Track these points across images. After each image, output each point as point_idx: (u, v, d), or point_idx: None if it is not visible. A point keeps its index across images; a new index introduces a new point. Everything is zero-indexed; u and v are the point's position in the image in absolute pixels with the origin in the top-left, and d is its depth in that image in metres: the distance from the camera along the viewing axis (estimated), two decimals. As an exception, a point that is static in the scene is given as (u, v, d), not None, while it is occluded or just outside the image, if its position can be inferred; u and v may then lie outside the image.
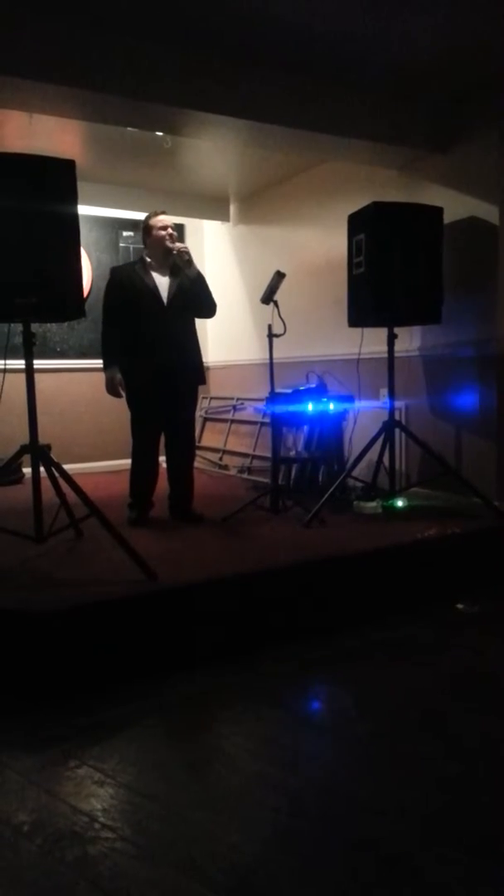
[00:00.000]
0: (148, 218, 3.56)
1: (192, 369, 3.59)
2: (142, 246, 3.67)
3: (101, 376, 3.51)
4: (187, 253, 3.47)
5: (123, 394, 3.51)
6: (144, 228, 3.57)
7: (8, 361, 3.09)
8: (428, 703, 2.25)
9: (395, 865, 1.51)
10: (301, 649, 2.63)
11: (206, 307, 3.62)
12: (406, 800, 1.73)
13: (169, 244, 3.47)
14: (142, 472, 3.60)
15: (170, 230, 3.50)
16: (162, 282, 3.50)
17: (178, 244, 3.48)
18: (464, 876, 1.47)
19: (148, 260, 3.54)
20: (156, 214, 3.54)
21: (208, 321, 6.03)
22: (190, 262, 3.48)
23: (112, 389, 3.51)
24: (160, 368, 3.43)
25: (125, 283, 3.48)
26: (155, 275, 3.50)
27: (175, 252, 3.45)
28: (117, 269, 3.63)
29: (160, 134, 3.86)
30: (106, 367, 3.51)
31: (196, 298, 3.54)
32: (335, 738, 2.05)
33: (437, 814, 1.68)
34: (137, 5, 2.82)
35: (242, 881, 1.47)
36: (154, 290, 3.48)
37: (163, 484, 3.68)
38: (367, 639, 2.75)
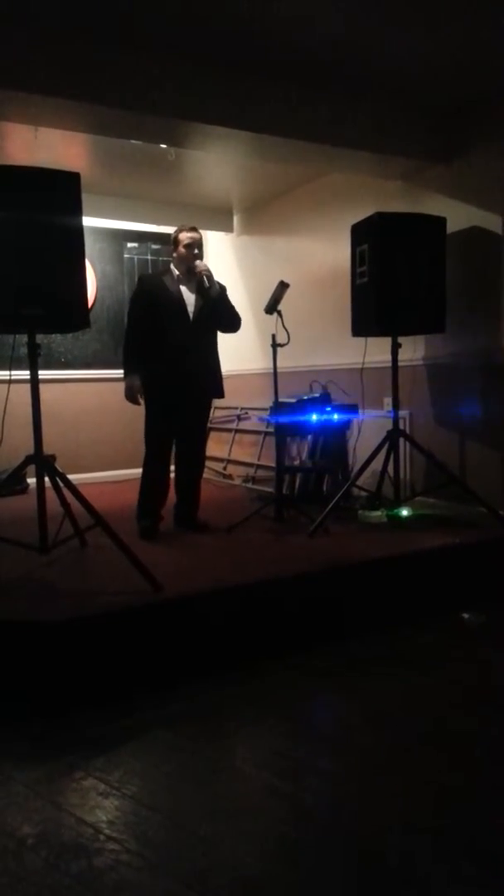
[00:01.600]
0: (177, 232, 3.59)
1: (212, 383, 3.62)
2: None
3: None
4: (208, 272, 3.47)
5: (142, 402, 3.51)
6: (173, 241, 3.61)
7: (13, 372, 3.12)
8: (433, 713, 2.24)
9: (401, 879, 1.50)
10: (306, 659, 2.62)
11: (229, 323, 3.64)
12: (412, 812, 1.72)
13: (192, 263, 3.48)
14: (154, 482, 3.59)
15: (196, 250, 3.52)
16: (189, 295, 3.54)
17: (199, 265, 3.48)
18: (471, 891, 1.46)
19: (175, 272, 3.56)
20: (184, 230, 3.56)
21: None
22: (211, 283, 3.48)
23: (131, 397, 3.51)
24: (182, 380, 3.46)
25: (153, 293, 3.51)
26: (182, 287, 3.53)
27: (197, 272, 3.47)
28: (146, 277, 3.67)
29: (164, 146, 3.89)
30: (126, 375, 3.50)
31: (219, 315, 3.56)
32: (340, 748, 2.04)
33: (442, 827, 1.66)
34: (140, 19, 2.85)
35: (247, 894, 1.46)
36: (181, 302, 3.51)
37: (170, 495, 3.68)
38: (372, 649, 2.74)
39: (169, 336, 3.46)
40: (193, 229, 3.57)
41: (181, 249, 3.54)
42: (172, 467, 3.65)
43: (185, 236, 3.54)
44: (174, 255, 3.60)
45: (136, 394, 3.49)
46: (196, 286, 3.53)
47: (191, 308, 3.52)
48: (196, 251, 3.52)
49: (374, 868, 1.53)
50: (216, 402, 5.95)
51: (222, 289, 3.61)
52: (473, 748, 2.03)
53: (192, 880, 1.50)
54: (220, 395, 3.71)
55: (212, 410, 5.94)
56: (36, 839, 1.64)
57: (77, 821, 1.70)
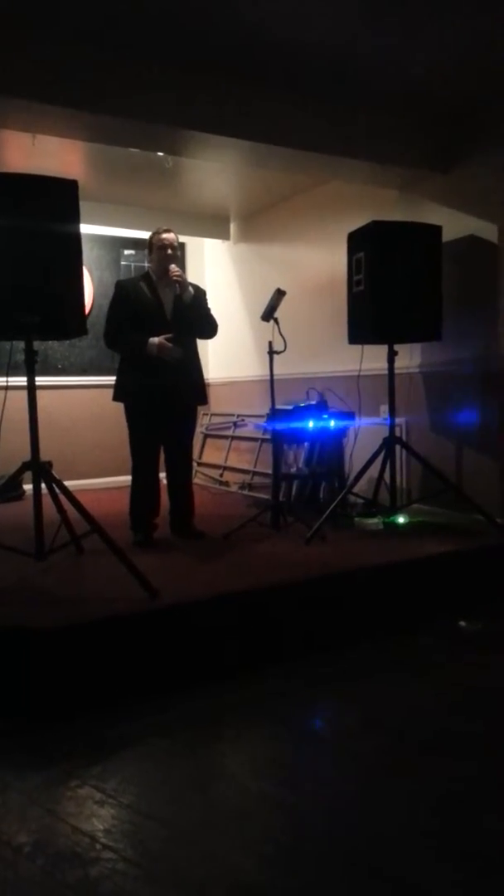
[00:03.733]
0: (152, 235, 3.57)
1: (193, 390, 3.59)
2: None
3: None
4: (180, 278, 3.42)
5: (175, 351, 3.38)
6: (148, 244, 3.59)
7: (10, 379, 3.11)
8: (431, 720, 2.23)
9: (400, 887, 1.49)
10: (303, 666, 2.62)
11: (205, 329, 3.61)
12: (410, 819, 1.71)
13: (166, 265, 3.44)
14: (143, 492, 3.57)
15: (169, 251, 3.47)
16: (166, 298, 3.51)
17: (172, 269, 3.42)
18: (470, 897, 1.46)
19: (152, 277, 3.55)
20: (159, 232, 3.53)
21: (209, 338, 6.09)
22: (184, 287, 3.44)
23: (168, 351, 3.36)
24: (164, 386, 3.42)
25: (131, 297, 3.48)
26: (159, 292, 3.51)
27: (171, 276, 3.42)
28: (123, 282, 3.64)
29: (161, 154, 3.91)
30: (144, 347, 3.37)
31: (195, 321, 3.53)
32: (338, 756, 2.04)
33: (441, 834, 1.66)
34: (138, 27, 2.87)
35: (246, 903, 1.45)
36: (158, 305, 3.49)
37: (163, 502, 3.67)
38: (369, 655, 2.73)
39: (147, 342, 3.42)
40: (167, 231, 3.52)
41: (156, 252, 3.51)
42: (162, 474, 3.63)
43: (158, 238, 3.50)
44: (149, 258, 3.58)
45: (165, 346, 3.35)
46: (174, 291, 3.49)
47: (168, 313, 3.50)
48: (169, 252, 3.48)
49: (373, 876, 1.52)
50: (212, 409, 6.00)
51: (200, 293, 3.58)
52: (473, 754, 2.02)
53: (188, 889, 1.49)
54: (203, 401, 3.68)
55: (208, 417, 5.97)
56: (32, 847, 1.63)
57: (73, 829, 1.69)
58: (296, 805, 1.78)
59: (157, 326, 3.46)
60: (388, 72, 3.30)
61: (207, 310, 3.62)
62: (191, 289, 3.50)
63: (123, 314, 3.46)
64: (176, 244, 3.54)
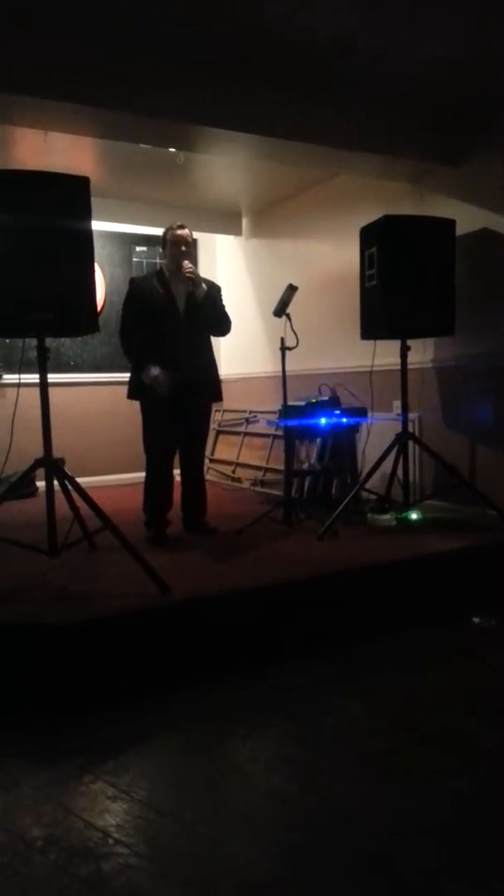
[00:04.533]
0: (166, 230, 3.56)
1: (208, 385, 3.59)
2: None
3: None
4: (193, 273, 3.41)
5: (164, 385, 3.35)
6: (162, 240, 3.58)
7: (22, 376, 3.13)
8: (443, 717, 2.22)
9: (409, 885, 1.48)
10: (315, 663, 2.61)
11: (218, 326, 3.60)
12: (421, 817, 1.71)
13: (180, 261, 3.43)
14: (157, 488, 3.57)
15: (183, 247, 3.46)
16: (178, 295, 3.50)
17: (186, 265, 3.41)
18: (482, 896, 1.45)
19: (165, 273, 3.54)
20: (173, 228, 3.52)
21: (221, 334, 6.08)
22: (196, 283, 3.43)
23: (160, 385, 3.34)
24: (178, 383, 3.41)
25: (145, 294, 3.48)
26: (172, 288, 3.50)
27: (184, 273, 3.41)
28: (136, 279, 3.64)
29: (173, 150, 3.90)
30: (141, 368, 3.37)
31: (209, 317, 3.53)
32: (349, 753, 2.03)
33: (452, 832, 1.65)
34: (148, 24, 2.87)
35: (257, 899, 1.45)
36: (172, 301, 3.48)
37: (175, 498, 3.67)
38: (381, 652, 2.72)
39: (161, 340, 3.42)
40: (181, 227, 3.50)
41: (169, 248, 3.50)
42: (176, 471, 3.63)
43: (172, 234, 3.48)
44: (163, 254, 3.57)
45: (162, 381, 3.32)
46: (187, 287, 3.47)
47: (181, 309, 3.49)
48: (183, 249, 3.46)
49: (381, 873, 1.52)
50: (224, 405, 6.00)
51: (215, 290, 3.56)
52: (484, 752, 2.01)
53: (199, 885, 1.49)
54: (218, 398, 3.67)
55: (220, 413, 5.97)
56: (45, 842, 1.64)
57: (86, 824, 1.70)
58: (306, 802, 1.78)
59: (169, 323, 3.46)
60: (396, 65, 3.26)
61: (222, 306, 3.60)
62: (204, 286, 3.48)
63: (137, 312, 3.46)
64: (190, 240, 3.53)
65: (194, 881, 1.50)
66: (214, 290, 3.59)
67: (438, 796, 1.79)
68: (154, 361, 3.38)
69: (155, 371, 3.36)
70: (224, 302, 3.65)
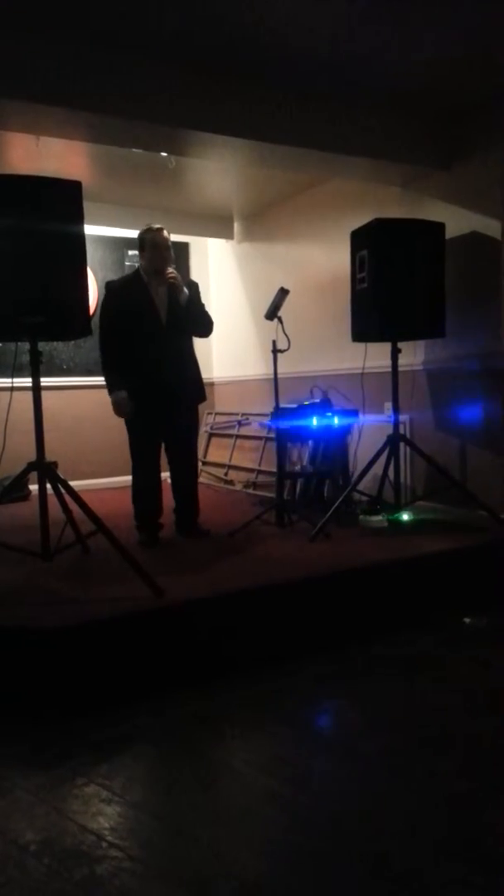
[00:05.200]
0: (144, 232, 3.48)
1: (192, 386, 3.57)
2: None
3: (106, 393, 3.48)
4: (176, 279, 3.38)
5: (126, 412, 3.43)
6: (140, 243, 3.50)
7: (15, 379, 3.13)
8: (437, 718, 2.24)
9: (406, 885, 1.50)
10: (308, 664, 2.63)
11: (201, 327, 3.57)
12: (416, 818, 1.72)
13: (162, 265, 3.39)
14: (145, 491, 3.55)
15: (164, 252, 3.41)
16: (160, 298, 3.46)
17: (169, 272, 3.37)
18: None
19: (144, 277, 3.49)
20: (153, 230, 3.44)
21: (213, 337, 6.06)
22: (179, 290, 3.40)
23: (121, 411, 3.42)
24: (162, 386, 3.40)
25: (123, 297, 3.43)
26: (153, 291, 3.45)
27: (166, 279, 3.37)
28: (113, 283, 3.56)
29: (165, 154, 3.91)
30: (112, 390, 3.41)
31: (191, 320, 3.49)
32: (344, 754, 2.04)
33: (447, 832, 1.66)
34: (139, 27, 2.88)
35: (251, 900, 1.46)
36: (151, 304, 3.43)
37: (168, 501, 3.67)
38: (375, 653, 2.74)
39: (142, 340, 3.38)
40: (161, 229, 3.45)
41: (149, 251, 3.43)
42: (165, 474, 3.62)
43: (153, 237, 3.41)
44: (141, 256, 3.50)
45: (124, 409, 3.40)
46: (167, 290, 3.44)
47: (163, 313, 3.44)
48: (164, 253, 3.42)
49: (376, 875, 1.53)
50: (216, 408, 6.01)
51: (193, 288, 3.52)
52: (478, 753, 2.02)
53: (194, 887, 1.50)
54: (201, 398, 3.64)
55: (212, 416, 5.98)
56: (39, 846, 1.64)
57: (79, 828, 1.70)
58: (301, 803, 1.79)
59: (151, 328, 3.42)
60: (388, 69, 3.29)
61: (202, 305, 3.56)
62: (186, 290, 3.44)
63: (115, 317, 3.39)
64: (169, 243, 3.48)
65: (189, 883, 1.51)
66: (194, 290, 3.54)
67: (435, 797, 1.80)
68: (131, 380, 3.37)
69: (122, 395, 3.38)
70: (215, 304, 3.64)
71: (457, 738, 2.11)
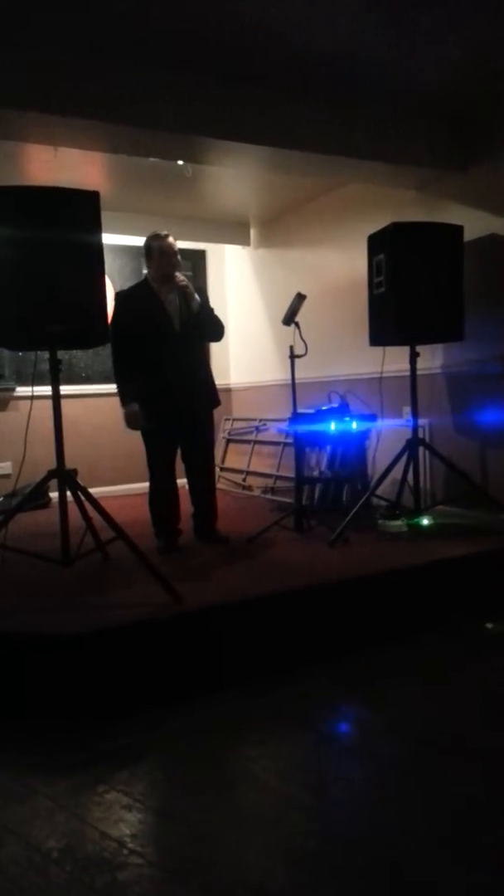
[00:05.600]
0: (150, 240, 3.45)
1: (205, 391, 3.57)
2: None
3: (120, 405, 3.48)
4: (187, 285, 3.37)
5: (137, 424, 3.44)
6: (146, 252, 3.48)
7: (35, 388, 3.16)
8: (456, 724, 2.21)
9: (425, 892, 1.48)
10: (328, 670, 2.61)
11: (213, 332, 3.57)
12: (434, 824, 1.70)
13: (171, 272, 3.38)
14: (162, 498, 3.55)
15: (172, 258, 3.40)
16: (171, 306, 3.45)
17: (179, 278, 3.37)
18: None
19: (153, 284, 3.48)
20: (160, 237, 3.42)
21: (231, 343, 6.10)
22: (191, 297, 3.38)
23: (133, 424, 3.43)
24: (176, 394, 3.40)
25: (134, 307, 3.43)
26: (163, 299, 3.45)
27: (178, 285, 3.37)
28: (122, 294, 3.55)
29: (181, 163, 3.94)
30: (124, 403, 3.42)
31: (202, 326, 3.48)
32: (363, 760, 2.03)
33: (466, 840, 1.64)
34: (156, 37, 2.91)
35: (272, 908, 1.45)
36: (163, 312, 3.42)
37: (186, 507, 3.68)
38: (395, 659, 2.72)
39: (155, 348, 3.38)
40: (166, 236, 3.43)
41: (157, 259, 3.42)
42: (182, 480, 3.61)
43: (160, 244, 3.40)
44: (149, 264, 3.49)
45: (137, 420, 3.41)
46: (177, 296, 3.43)
47: (175, 320, 3.43)
48: (173, 259, 3.41)
49: (395, 882, 1.51)
50: (234, 414, 6.01)
51: (202, 294, 3.51)
52: (497, 759, 2.00)
53: (215, 893, 1.49)
54: (217, 403, 3.63)
55: (230, 422, 5.98)
56: (60, 853, 1.65)
57: (101, 834, 1.71)
58: (321, 809, 1.78)
59: (164, 336, 3.41)
60: (402, 73, 3.28)
61: (212, 310, 3.55)
62: (197, 296, 3.42)
63: (127, 330, 3.37)
64: (176, 249, 3.46)
65: (210, 889, 1.50)
66: (203, 295, 3.54)
67: (453, 803, 1.79)
68: (146, 387, 3.37)
69: (134, 407, 3.39)
70: (231, 310, 3.64)
71: (475, 744, 2.09)
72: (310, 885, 1.52)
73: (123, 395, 3.44)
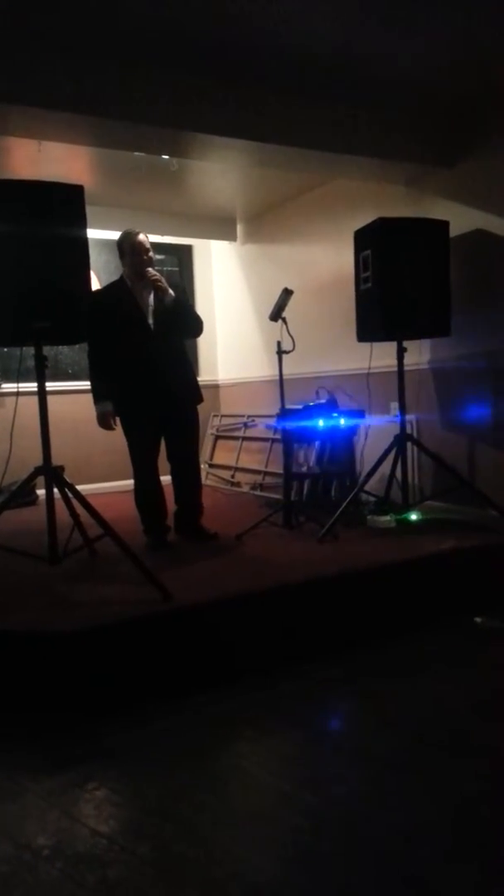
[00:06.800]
0: (123, 238, 3.45)
1: (187, 390, 3.55)
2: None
3: (93, 404, 3.46)
4: (160, 280, 3.35)
5: (115, 425, 3.45)
6: (119, 249, 3.48)
7: (21, 385, 3.14)
8: (449, 720, 2.22)
9: (418, 888, 1.48)
10: (319, 667, 2.61)
11: (190, 328, 3.56)
12: (427, 820, 1.71)
13: (143, 269, 3.36)
14: (148, 495, 3.54)
15: (144, 255, 3.39)
16: (146, 302, 3.44)
17: (150, 272, 3.35)
18: None
19: (128, 282, 3.47)
20: (133, 234, 3.41)
21: (218, 339, 6.09)
22: (164, 291, 3.36)
23: (105, 423, 3.44)
24: (154, 391, 3.38)
25: (108, 304, 3.40)
26: (137, 296, 3.43)
27: (149, 281, 3.35)
28: (98, 293, 3.51)
29: (167, 157, 3.92)
30: (97, 401, 3.42)
31: (179, 321, 3.46)
32: (356, 756, 2.03)
33: (458, 835, 1.65)
34: (139, 31, 2.88)
35: (265, 903, 1.45)
36: (138, 310, 3.41)
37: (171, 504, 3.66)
38: (385, 655, 2.72)
39: (132, 349, 3.37)
40: (138, 233, 3.43)
41: (129, 256, 3.42)
42: (166, 478, 3.60)
43: (133, 242, 3.40)
44: (123, 262, 3.49)
45: (109, 420, 3.42)
46: (152, 292, 3.42)
47: (150, 317, 3.43)
48: (145, 256, 3.40)
49: (389, 877, 1.52)
50: (222, 410, 6.00)
51: (180, 290, 3.50)
52: (490, 754, 2.01)
53: (207, 889, 1.49)
54: (197, 398, 3.62)
55: (218, 418, 5.97)
56: (51, 850, 1.63)
57: (91, 832, 1.70)
58: (313, 805, 1.78)
59: (140, 334, 3.40)
60: (389, 68, 3.28)
61: (190, 306, 3.53)
62: (171, 291, 3.40)
63: (102, 328, 3.33)
64: (149, 245, 3.45)
65: (202, 885, 1.50)
66: (180, 291, 3.52)
67: (444, 798, 1.79)
68: (124, 385, 3.38)
69: (107, 406, 3.42)
70: (197, 300, 3.59)
71: (467, 739, 2.10)
72: (302, 881, 1.51)
73: (97, 393, 3.46)
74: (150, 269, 3.37)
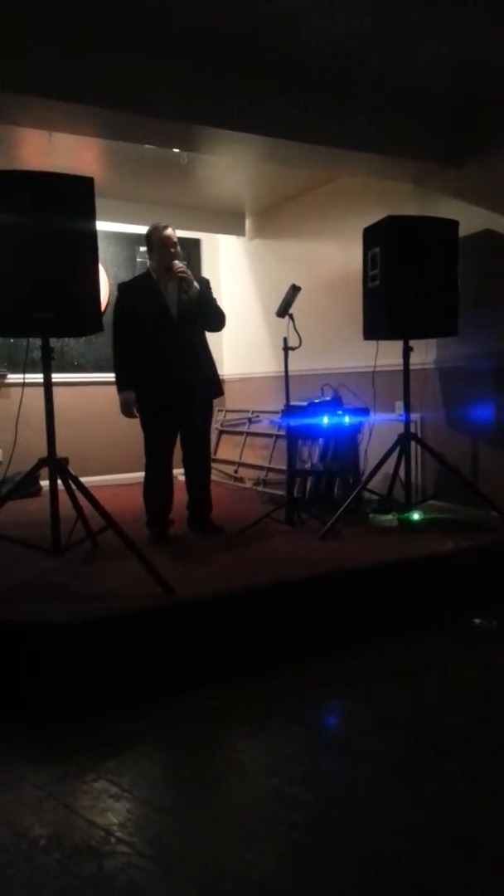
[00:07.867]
0: (151, 231, 3.50)
1: (206, 382, 3.58)
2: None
3: (116, 392, 3.49)
4: (184, 274, 3.39)
5: (138, 414, 3.49)
6: (147, 242, 3.53)
7: (26, 376, 3.14)
8: (445, 719, 2.22)
9: (413, 886, 1.49)
10: (317, 664, 2.62)
11: (214, 322, 3.58)
12: (423, 818, 1.71)
13: (170, 263, 3.40)
14: (157, 488, 3.56)
15: (172, 249, 3.43)
16: (170, 295, 3.47)
17: (176, 265, 3.39)
18: (483, 896, 1.45)
19: (154, 275, 3.51)
20: (161, 228, 3.46)
21: (224, 334, 6.08)
22: (189, 283, 3.40)
23: (128, 412, 3.47)
24: (175, 383, 3.41)
25: (135, 299, 3.46)
26: (162, 289, 3.47)
27: (174, 274, 3.39)
28: (125, 284, 3.61)
29: (177, 151, 3.91)
30: (121, 390, 3.46)
31: (202, 314, 3.50)
32: (351, 754, 2.04)
33: (454, 833, 1.66)
34: (152, 24, 2.87)
35: (259, 898, 1.46)
36: (163, 304, 3.45)
37: (178, 498, 3.67)
38: (384, 653, 2.73)
39: (155, 340, 3.41)
40: (166, 227, 3.46)
41: (159, 249, 3.46)
42: (179, 471, 3.62)
43: (161, 235, 3.44)
44: (150, 255, 3.53)
45: (132, 408, 3.46)
46: (177, 285, 3.45)
47: (173, 307, 3.46)
48: (172, 250, 3.44)
49: (384, 874, 1.52)
50: (227, 405, 6.00)
51: (204, 284, 3.54)
52: (487, 754, 2.01)
53: (202, 884, 1.50)
54: (219, 393, 3.68)
55: (223, 413, 5.97)
56: (47, 841, 1.65)
57: (88, 823, 1.71)
58: (308, 802, 1.79)
59: (164, 325, 3.43)
60: (400, 65, 3.27)
61: (213, 300, 3.56)
62: (196, 284, 3.45)
63: (129, 318, 3.43)
64: (176, 239, 3.49)
65: (197, 879, 1.51)
66: (204, 285, 3.55)
67: (439, 797, 1.80)
68: (146, 377, 3.40)
69: (130, 395, 3.44)
70: (224, 300, 3.63)
71: (463, 739, 2.10)
72: (296, 877, 1.52)
73: (121, 382, 3.48)
74: (176, 262, 3.41)
